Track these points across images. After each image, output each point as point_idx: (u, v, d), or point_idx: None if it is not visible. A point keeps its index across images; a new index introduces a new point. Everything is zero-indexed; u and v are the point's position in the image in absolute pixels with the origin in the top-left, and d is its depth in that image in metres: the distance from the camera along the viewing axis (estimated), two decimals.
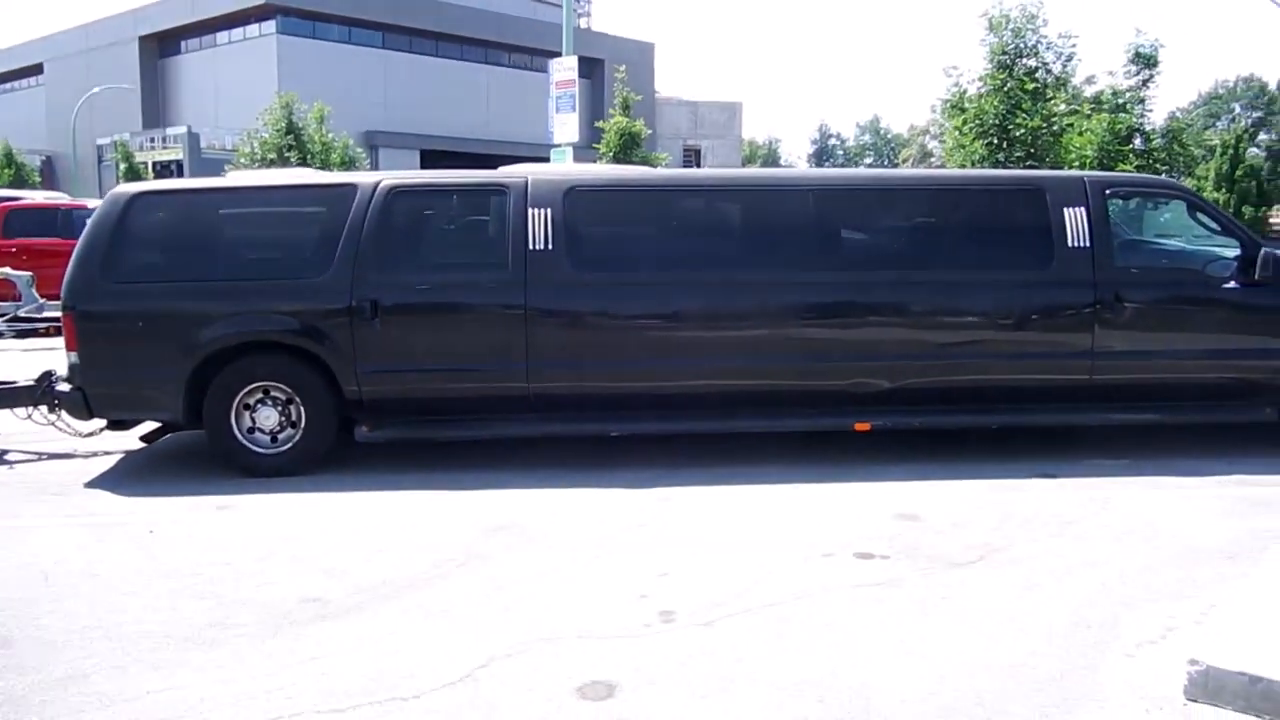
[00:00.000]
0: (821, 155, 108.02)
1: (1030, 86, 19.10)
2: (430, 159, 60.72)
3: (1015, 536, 5.37)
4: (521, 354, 6.55)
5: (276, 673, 3.82)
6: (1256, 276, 6.81)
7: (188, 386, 6.48)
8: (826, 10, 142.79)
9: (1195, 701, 3.54)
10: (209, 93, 64.35)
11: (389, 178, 6.76)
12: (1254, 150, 47.38)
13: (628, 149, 23.95)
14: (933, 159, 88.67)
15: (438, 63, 67.13)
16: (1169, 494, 6.13)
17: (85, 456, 7.27)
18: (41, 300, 13.35)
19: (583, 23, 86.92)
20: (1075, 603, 4.47)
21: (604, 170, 10.63)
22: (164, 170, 51.04)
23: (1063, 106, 20.01)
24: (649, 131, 25.89)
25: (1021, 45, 19.45)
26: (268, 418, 6.59)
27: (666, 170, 10.95)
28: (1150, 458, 6.83)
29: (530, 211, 6.56)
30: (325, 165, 23.80)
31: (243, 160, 23.60)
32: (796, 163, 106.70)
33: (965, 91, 20.10)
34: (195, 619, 4.33)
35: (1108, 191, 7.02)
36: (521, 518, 5.69)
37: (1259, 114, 75.07)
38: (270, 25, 61.11)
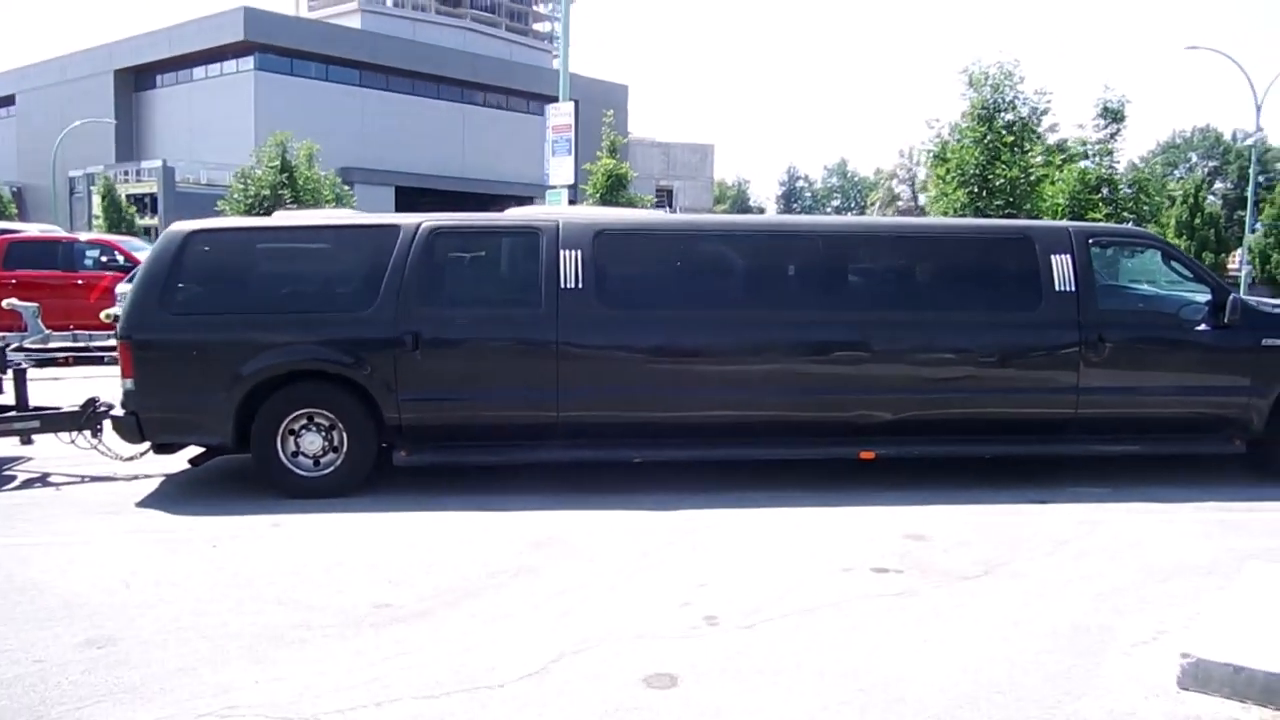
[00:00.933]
0: (790, 197, 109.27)
1: (1009, 139, 20.09)
2: (405, 196, 61.25)
3: (1015, 554, 5.88)
4: (552, 384, 7.02)
5: (367, 667, 4.23)
6: (1225, 320, 7.44)
7: (237, 412, 6.89)
8: (795, 54, 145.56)
9: (1187, 689, 4.03)
10: (184, 127, 64.57)
11: (429, 219, 7.24)
12: (1211, 198, 48.87)
13: (614, 190, 24.54)
14: (899, 201, 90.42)
15: (413, 101, 67.87)
16: (1151, 517, 6.68)
17: (127, 479, 7.62)
18: (47, 331, 13.63)
19: (555, 63, 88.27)
20: (1075, 610, 4.98)
21: (628, 214, 11.19)
22: (139, 204, 51.15)
23: (1039, 158, 21.01)
24: (635, 174, 26.47)
25: (1000, 100, 20.47)
26: (312, 443, 7.00)
27: (686, 215, 11.48)
28: (1132, 485, 7.39)
29: (562, 253, 7.07)
30: (316, 203, 24.19)
31: (236, 196, 23.93)
32: (766, 204, 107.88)
33: (948, 143, 21.03)
34: (278, 622, 4.73)
35: (1090, 241, 7.64)
36: (561, 534, 6.13)
37: (1214, 163, 77.42)
38: (248, 62, 61.65)
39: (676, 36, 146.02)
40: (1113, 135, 21.22)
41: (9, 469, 7.94)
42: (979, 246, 7.91)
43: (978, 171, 19.87)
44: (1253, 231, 38.42)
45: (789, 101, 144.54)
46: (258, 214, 23.44)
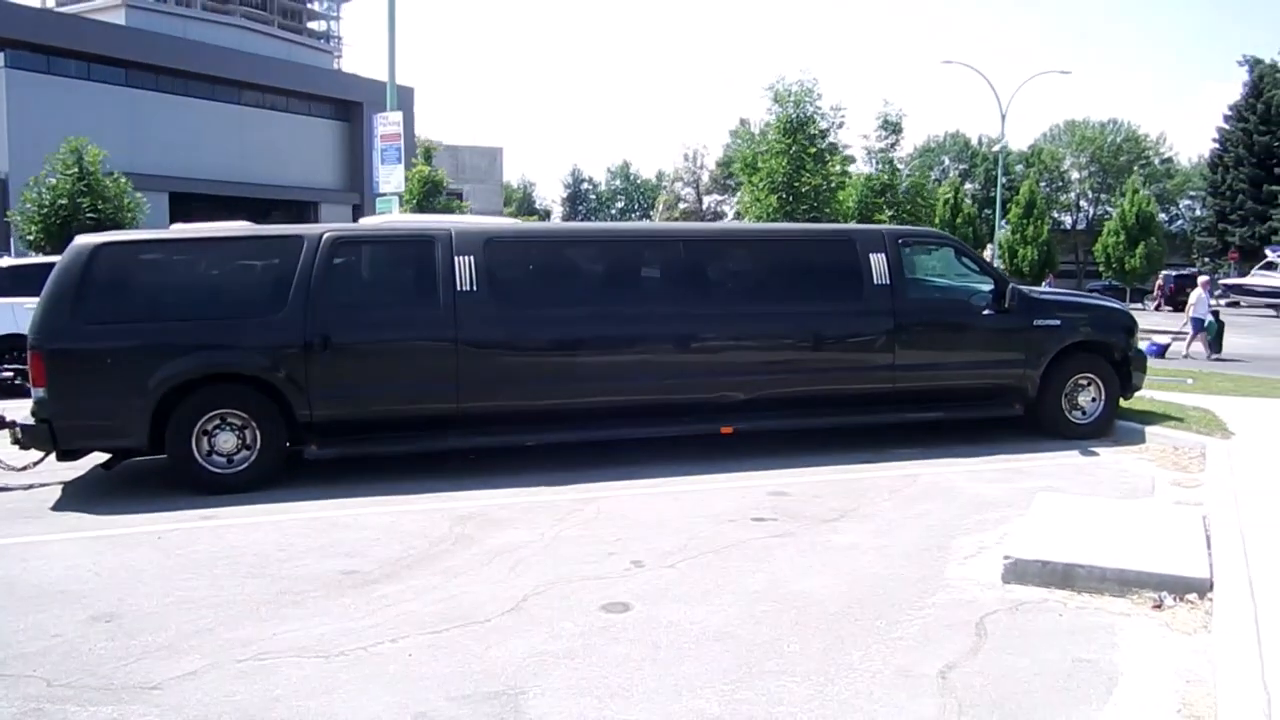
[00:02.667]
0: (575, 199, 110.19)
1: (812, 151, 22.13)
2: (181, 201, 58.41)
3: (859, 502, 7.17)
4: (452, 379, 7.79)
5: (366, 615, 4.96)
6: (1005, 306, 9.07)
7: (153, 415, 7.27)
8: (576, 57, 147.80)
9: (1009, 583, 5.35)
10: None
11: (330, 230, 7.86)
12: (966, 200, 53.72)
13: (430, 196, 24.94)
14: (683, 203, 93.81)
15: (186, 102, 64.64)
16: (958, 469, 8.17)
17: (23, 489, 7.77)
18: None
19: (336, 64, 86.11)
20: (915, 538, 6.27)
21: (511, 223, 11.91)
22: None
23: (838, 167, 23.22)
24: (450, 182, 26.93)
25: (802, 115, 22.47)
26: (226, 441, 7.47)
27: (566, 224, 12.32)
28: (939, 445, 8.90)
29: (456, 258, 7.84)
30: (118, 212, 23.27)
31: (29, 206, 22.70)
32: (552, 206, 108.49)
33: (758, 154, 22.89)
34: (264, 591, 5.35)
35: (900, 241, 9.11)
36: (479, 511, 6.93)
37: (964, 166, 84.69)
38: None
39: (460, 38, 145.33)
40: (892, 145, 23.82)
41: None
42: (812, 248, 9.26)
43: (785, 180, 21.88)
44: (1001, 229, 42.90)
45: (571, 104, 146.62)
46: (55, 224, 22.43)
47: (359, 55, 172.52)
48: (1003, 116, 40.91)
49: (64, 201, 22.12)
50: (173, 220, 49.03)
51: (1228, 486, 7.00)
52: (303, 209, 71.28)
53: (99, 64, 60.99)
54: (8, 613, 5.06)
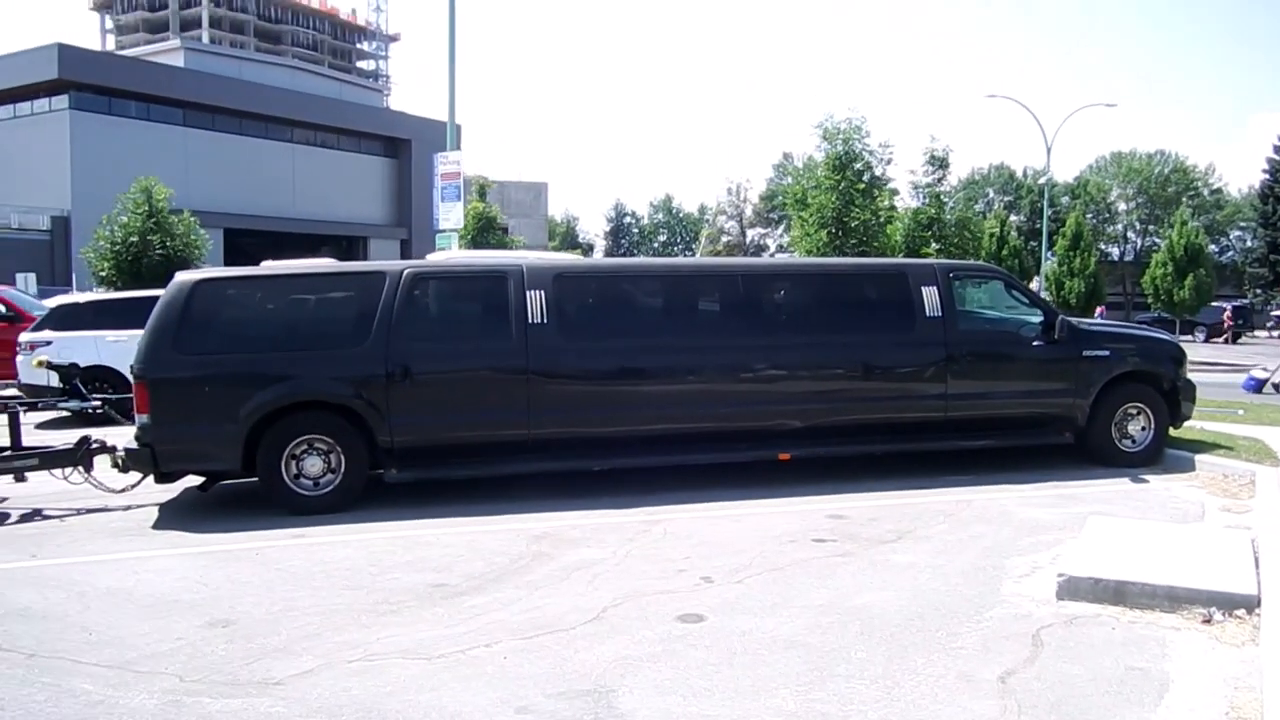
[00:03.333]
0: (618, 233, 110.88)
1: (861, 186, 22.58)
2: (234, 238, 59.89)
3: (916, 525, 7.46)
4: (524, 406, 8.21)
5: (459, 623, 5.35)
6: (1055, 337, 9.34)
7: (245, 441, 7.77)
8: (620, 92, 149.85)
9: (1063, 599, 5.62)
10: None
11: (411, 266, 8.35)
12: (1012, 232, 53.70)
13: (484, 232, 25.64)
14: (726, 236, 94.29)
15: (240, 140, 66.38)
16: (1010, 494, 8.43)
17: (122, 510, 8.29)
18: None
19: (385, 102, 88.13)
20: (971, 558, 6.56)
21: (579, 259, 12.43)
22: None
23: (886, 202, 23.66)
24: (505, 218, 27.62)
25: (850, 152, 22.96)
26: (313, 465, 7.93)
27: (630, 259, 12.78)
28: (991, 471, 9.15)
29: (528, 293, 8.29)
30: (187, 249, 24.18)
31: (101, 243, 23.66)
32: (595, 240, 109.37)
33: (807, 190, 23.41)
34: (362, 601, 5.76)
35: (951, 275, 9.44)
36: (552, 531, 7.32)
37: (1009, 197, 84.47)
38: (63, 100, 59.14)
39: (504, 74, 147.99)
40: (939, 180, 24.17)
41: (1, 506, 8.47)
42: (865, 281, 9.61)
43: (834, 215, 22.34)
44: (1047, 261, 42.85)
45: (614, 138, 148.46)
46: (126, 260, 23.36)
47: (406, 93, 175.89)
48: (1048, 149, 41.01)
49: (135, 239, 23.03)
50: (227, 257, 50.19)
51: (1276, 510, 7.21)
52: (352, 244, 72.85)
53: (158, 104, 62.94)
54: (131, 618, 5.51)
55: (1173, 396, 9.74)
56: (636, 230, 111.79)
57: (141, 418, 7.73)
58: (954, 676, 4.57)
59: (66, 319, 14.40)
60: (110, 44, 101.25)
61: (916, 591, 5.86)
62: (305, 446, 7.93)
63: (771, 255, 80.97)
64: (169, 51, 72.51)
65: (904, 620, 5.34)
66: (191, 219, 24.92)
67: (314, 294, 8.48)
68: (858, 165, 23.10)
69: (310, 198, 69.31)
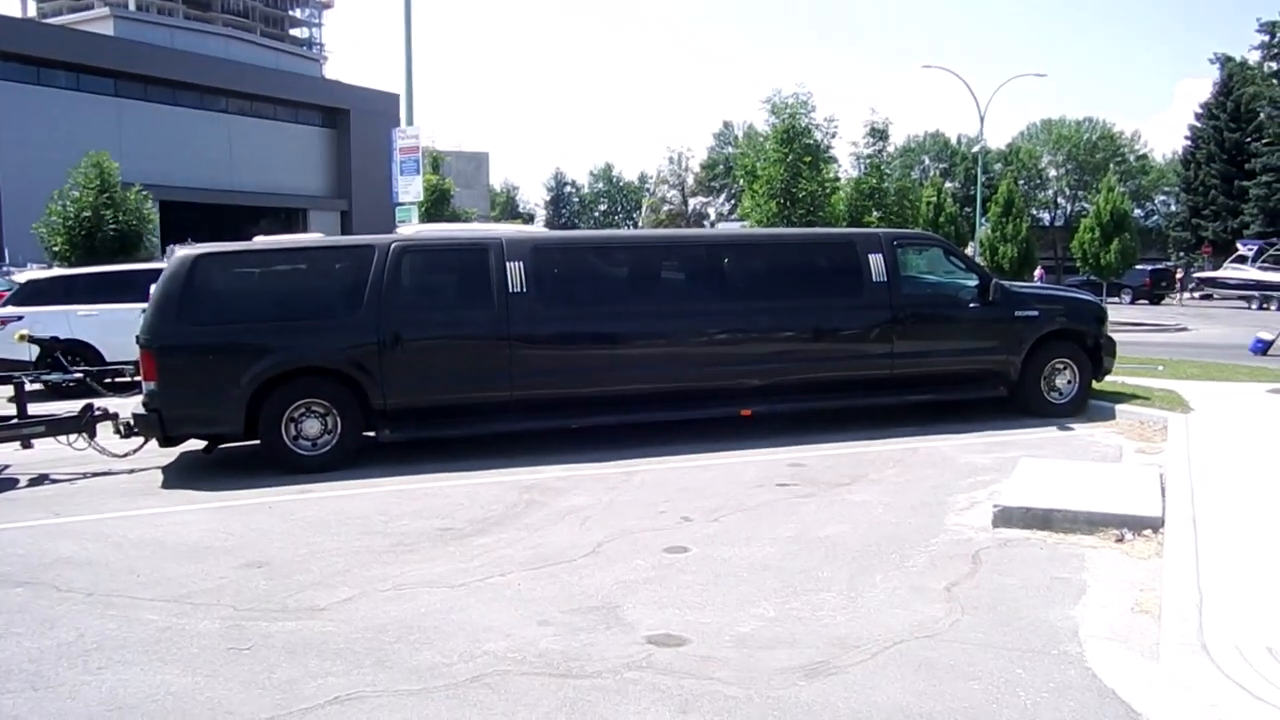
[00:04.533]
0: (558, 202, 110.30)
1: (808, 159, 23.43)
2: (171, 210, 58.99)
3: (868, 470, 8.27)
4: (506, 369, 8.85)
5: (472, 559, 6.02)
6: (990, 299, 10.20)
7: (247, 405, 8.31)
8: (558, 60, 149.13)
9: (998, 526, 6.45)
10: None
11: (398, 239, 8.92)
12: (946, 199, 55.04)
13: (438, 204, 26.00)
14: (668, 205, 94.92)
15: (175, 111, 65.14)
16: (950, 442, 9.29)
17: (127, 473, 8.77)
18: None
19: (323, 71, 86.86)
20: (918, 496, 7.38)
21: (553, 233, 13.00)
22: None
23: (831, 174, 24.55)
24: (458, 189, 27.96)
25: (797, 126, 23.77)
26: (311, 427, 8.50)
27: (602, 232, 13.37)
28: (933, 423, 10.00)
29: (508, 264, 8.91)
30: (139, 223, 24.21)
31: (54, 218, 23.60)
32: (535, 209, 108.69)
33: (757, 162, 24.22)
34: (380, 544, 6.40)
35: (895, 242, 10.24)
36: (540, 482, 7.99)
37: (944, 165, 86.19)
38: None
39: (441, 43, 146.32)
40: (879, 151, 25.09)
41: (5, 473, 8.90)
42: (817, 250, 10.39)
43: (783, 186, 23.20)
44: (981, 226, 44.20)
45: (553, 107, 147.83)
46: (80, 235, 23.34)
47: (342, 62, 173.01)
48: (981, 119, 42.23)
49: (88, 214, 23.03)
50: (165, 231, 49.45)
51: (1183, 450, 8.15)
52: (291, 216, 72.12)
53: (88, 74, 61.41)
54: (171, 563, 6.09)
55: (1095, 352, 10.67)
56: (577, 200, 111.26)
57: (149, 385, 8.23)
58: (907, 589, 5.36)
59: (36, 294, 14.66)
60: (32, 11, 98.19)
61: (871, 524, 6.66)
62: (303, 410, 8.49)
63: (712, 224, 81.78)
64: (98, 20, 70.76)
65: (862, 547, 6.13)
66: (142, 193, 24.90)
67: (308, 266, 9.01)
68: (805, 139, 24.00)
69: (248, 169, 68.32)
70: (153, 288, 8.45)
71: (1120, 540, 6.09)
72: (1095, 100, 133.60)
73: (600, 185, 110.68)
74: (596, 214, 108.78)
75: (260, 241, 9.98)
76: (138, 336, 8.31)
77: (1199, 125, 63.84)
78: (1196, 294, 43.75)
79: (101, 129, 57.71)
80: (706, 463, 8.62)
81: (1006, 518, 6.48)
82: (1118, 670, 4.24)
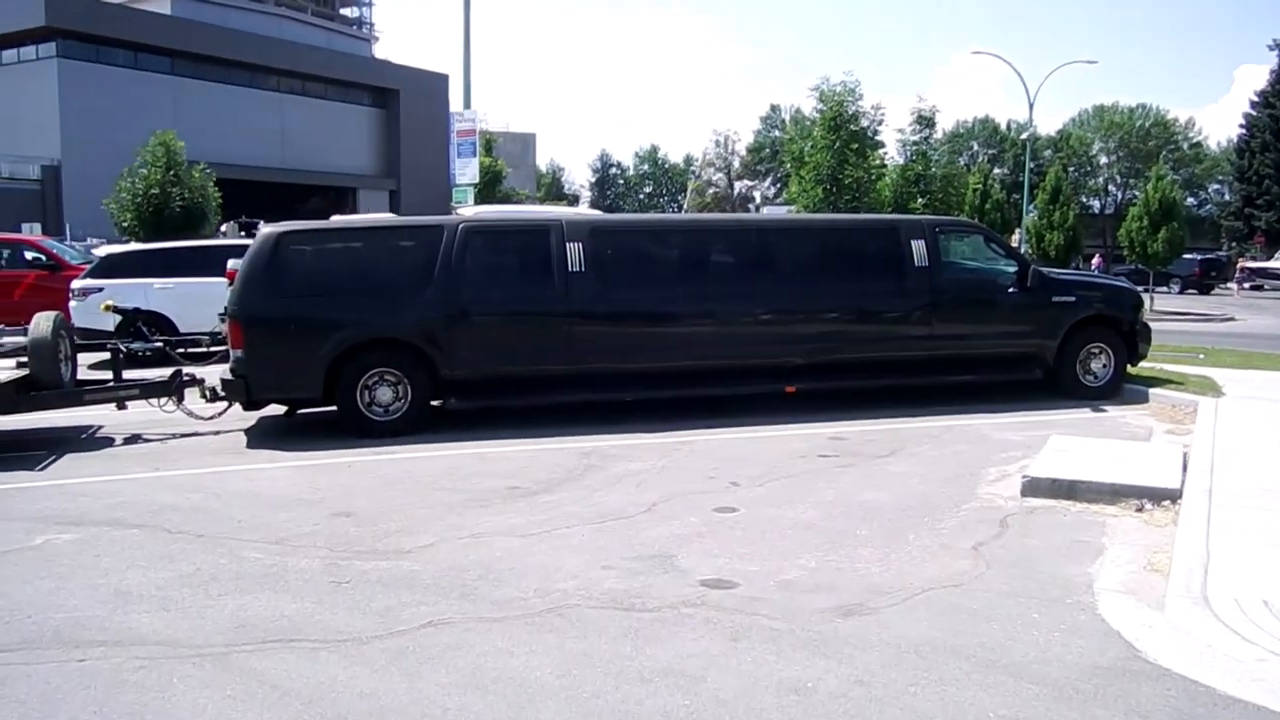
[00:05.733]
0: (603, 184, 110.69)
1: (855, 145, 23.81)
2: (224, 188, 60.28)
3: (906, 444, 8.74)
4: (565, 344, 9.42)
5: (538, 513, 6.59)
6: (1028, 285, 10.59)
7: (326, 373, 8.95)
8: (606, 43, 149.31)
9: (1026, 496, 6.91)
10: None
11: (465, 220, 9.50)
12: (995, 186, 54.81)
13: (490, 185, 26.66)
14: (714, 188, 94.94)
15: (229, 90, 66.33)
16: (985, 420, 9.72)
17: (213, 434, 9.47)
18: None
19: (374, 51, 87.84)
20: (953, 468, 7.85)
21: (612, 215, 13.57)
22: None
23: (878, 161, 24.89)
24: (510, 170, 28.59)
25: (845, 113, 24.13)
26: (384, 394, 9.14)
27: (657, 215, 13.91)
28: (971, 402, 10.42)
29: (568, 244, 9.46)
30: (205, 200, 25.13)
31: (124, 195, 24.58)
32: (581, 190, 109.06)
33: (803, 148, 24.64)
34: (453, 499, 7.00)
35: (937, 229, 10.66)
36: (598, 449, 8.56)
37: (993, 151, 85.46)
38: (50, 48, 59.02)
39: (489, 22, 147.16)
40: (926, 139, 25.36)
41: (100, 433, 9.64)
42: (862, 235, 10.83)
43: (830, 173, 23.60)
44: (1029, 214, 44.05)
45: (600, 89, 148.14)
46: (148, 211, 24.30)
47: (392, 41, 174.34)
48: (1030, 105, 42.03)
49: (155, 191, 23.95)
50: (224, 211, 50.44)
51: (1209, 429, 8.53)
52: (340, 194, 73.28)
53: (145, 53, 62.69)
54: (266, 511, 6.73)
55: (1131, 338, 11.03)
56: (622, 181, 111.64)
57: (236, 353, 8.90)
58: (937, 547, 5.85)
59: (115, 268, 15.47)
60: None
61: (907, 492, 7.15)
62: (377, 378, 9.12)
63: (757, 207, 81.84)
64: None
65: (897, 511, 6.63)
66: (207, 171, 25.79)
67: (383, 244, 9.64)
68: (851, 126, 24.34)
69: (299, 148, 69.42)
70: (233, 263, 9.09)
71: (1140, 510, 6.53)
72: (1149, 87, 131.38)
73: (645, 167, 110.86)
74: (641, 196, 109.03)
75: (338, 220, 10.61)
76: (226, 307, 8.97)
77: (1254, 113, 62.82)
78: (1245, 284, 43.34)
79: (158, 107, 58.97)
80: (753, 435, 9.13)
81: (1034, 488, 6.93)
82: (1125, 617, 4.72)
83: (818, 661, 4.21)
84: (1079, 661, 4.22)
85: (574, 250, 9.45)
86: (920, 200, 24.95)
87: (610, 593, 5.07)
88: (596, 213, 15.51)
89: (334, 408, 9.25)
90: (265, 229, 9.19)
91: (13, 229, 30.56)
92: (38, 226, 34.87)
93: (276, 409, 9.82)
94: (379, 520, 6.48)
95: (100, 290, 14.77)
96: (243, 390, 8.94)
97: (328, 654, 4.34)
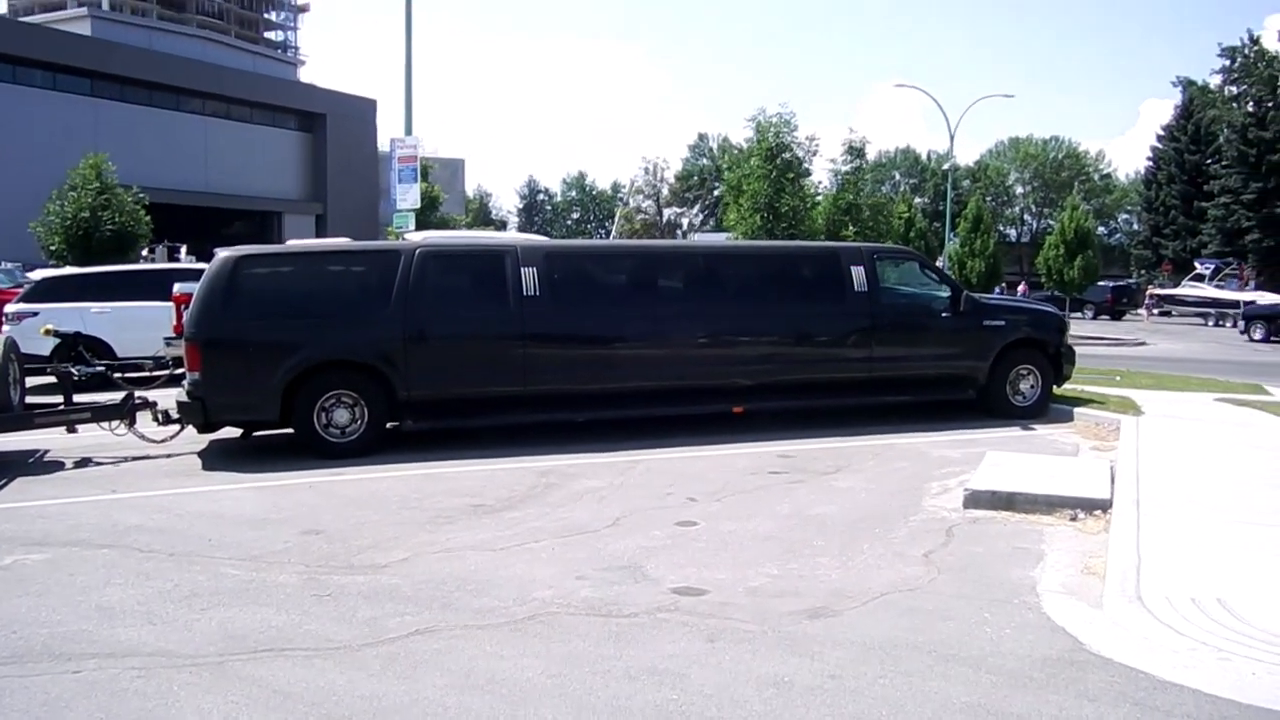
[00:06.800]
0: (531, 210, 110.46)
1: (790, 175, 24.50)
2: (148, 211, 59.17)
3: (850, 461, 9.13)
4: (520, 366, 9.63)
5: (505, 529, 6.79)
6: (960, 309, 11.11)
7: (283, 395, 9.03)
8: (533, 69, 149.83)
9: (968, 508, 7.31)
10: None
11: (422, 245, 9.68)
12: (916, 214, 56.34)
13: (425, 211, 26.72)
14: (643, 214, 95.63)
15: (151, 112, 65.18)
16: (923, 438, 10.16)
17: (165, 457, 9.43)
18: None
19: (299, 75, 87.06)
20: (896, 483, 8.24)
21: (565, 241, 13.79)
22: None
23: (813, 190, 25.64)
24: (446, 196, 28.67)
25: (781, 143, 24.83)
26: (341, 415, 9.23)
27: (608, 241, 14.15)
28: (908, 422, 10.87)
29: (523, 269, 9.69)
30: (136, 224, 24.74)
31: (53, 219, 24.09)
32: (508, 217, 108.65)
33: (743, 178, 25.30)
34: (420, 517, 7.15)
35: (875, 255, 11.14)
36: (554, 468, 8.77)
37: (914, 180, 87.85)
38: None
39: (419, 49, 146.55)
40: (857, 169, 26.18)
41: (48, 457, 9.55)
42: (804, 261, 11.27)
43: (766, 201, 24.26)
44: (951, 242, 45.46)
45: (527, 115, 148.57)
46: (77, 235, 23.84)
47: (317, 66, 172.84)
48: (951, 137, 43.49)
49: (85, 214, 23.55)
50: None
51: (1132, 445, 9.07)
52: (266, 219, 72.33)
53: (65, 74, 61.31)
54: (234, 531, 6.81)
55: (1057, 360, 11.62)
56: (550, 208, 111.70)
57: (193, 375, 8.94)
58: (890, 555, 6.20)
59: (51, 291, 15.25)
60: (2, 8, 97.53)
61: (856, 505, 7.51)
62: (334, 400, 9.22)
63: (684, 234, 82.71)
64: (75, 19, 70.65)
65: (849, 523, 6.97)
66: (141, 195, 25.42)
67: (340, 268, 9.76)
68: (786, 155, 25.07)
69: (224, 171, 68.37)
70: (179, 286, 9.13)
71: (1074, 519, 6.96)
72: (1062, 119, 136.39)
73: (573, 194, 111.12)
74: (569, 222, 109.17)
75: (295, 244, 10.69)
76: (171, 332, 9.01)
77: (1160, 147, 65.68)
78: (1155, 310, 45.20)
79: (78, 129, 57.60)
80: (703, 453, 9.43)
81: (975, 500, 7.34)
82: (1067, 615, 5.09)
83: (791, 659, 4.50)
84: (1030, 654, 4.57)
85: (528, 274, 9.69)
86: (851, 228, 25.77)
87: (587, 600, 5.30)
88: (543, 238, 15.72)
89: (290, 430, 9.31)
90: (222, 252, 9.25)
91: None
92: None
93: (229, 432, 9.85)
94: (350, 537, 6.61)
95: (35, 314, 14.56)
96: (200, 412, 8.97)
97: (322, 661, 4.49)
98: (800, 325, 10.66)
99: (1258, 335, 30.07)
